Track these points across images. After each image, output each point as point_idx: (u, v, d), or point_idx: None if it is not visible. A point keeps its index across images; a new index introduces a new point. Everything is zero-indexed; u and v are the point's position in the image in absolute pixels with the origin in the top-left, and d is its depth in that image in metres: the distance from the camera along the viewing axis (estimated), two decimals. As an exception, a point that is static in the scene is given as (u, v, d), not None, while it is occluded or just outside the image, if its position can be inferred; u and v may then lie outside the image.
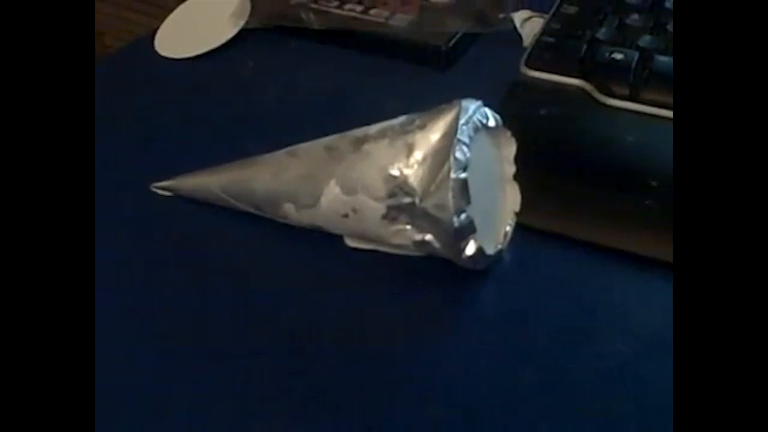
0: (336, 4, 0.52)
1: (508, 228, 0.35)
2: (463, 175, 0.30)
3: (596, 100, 0.41)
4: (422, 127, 0.31)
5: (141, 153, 0.43)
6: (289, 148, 0.35)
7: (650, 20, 0.44)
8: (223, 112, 0.45)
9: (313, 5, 0.52)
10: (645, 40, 0.43)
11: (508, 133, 0.35)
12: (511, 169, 0.35)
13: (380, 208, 0.32)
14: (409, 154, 0.31)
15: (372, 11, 0.51)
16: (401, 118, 0.33)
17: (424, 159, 0.31)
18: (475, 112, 0.32)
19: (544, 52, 0.44)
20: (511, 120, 0.35)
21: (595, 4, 0.47)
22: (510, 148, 0.35)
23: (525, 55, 0.44)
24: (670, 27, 0.43)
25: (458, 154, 0.30)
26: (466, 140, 0.31)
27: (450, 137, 0.31)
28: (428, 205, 0.31)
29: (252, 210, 0.37)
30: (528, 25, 0.49)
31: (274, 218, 0.36)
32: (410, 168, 0.31)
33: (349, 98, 0.46)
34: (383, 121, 0.34)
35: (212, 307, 0.34)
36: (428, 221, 0.31)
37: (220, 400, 0.30)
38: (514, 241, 0.35)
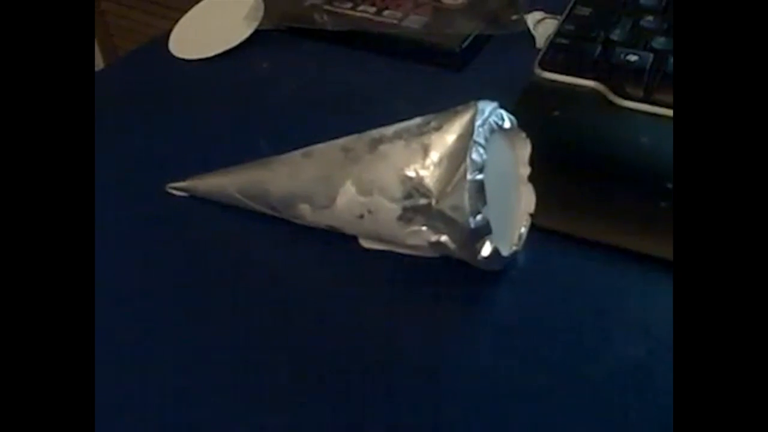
0: (350, 5, 0.52)
1: (522, 229, 0.35)
2: (479, 177, 0.30)
3: (610, 102, 0.41)
4: (438, 128, 0.32)
5: (156, 154, 0.43)
6: (304, 149, 0.35)
7: (664, 22, 0.44)
8: (237, 113, 0.46)
9: (327, 7, 0.52)
10: (659, 41, 0.43)
11: (523, 135, 0.35)
12: (526, 170, 0.35)
13: (396, 209, 0.32)
14: (425, 156, 0.31)
15: (385, 13, 0.51)
16: (417, 120, 0.33)
17: (441, 160, 0.31)
18: (491, 113, 0.32)
19: (558, 54, 0.44)
20: (525, 121, 0.35)
21: (609, 5, 0.47)
22: (525, 150, 0.35)
23: (539, 57, 0.44)
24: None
25: (474, 156, 0.30)
26: (482, 142, 0.31)
27: (466, 139, 0.31)
28: (444, 206, 0.31)
29: (267, 211, 0.37)
30: (541, 26, 0.49)
31: (290, 219, 0.36)
32: (426, 169, 0.31)
33: (363, 99, 0.46)
34: (397, 122, 0.34)
35: (227, 307, 0.34)
36: (444, 222, 0.31)
37: (233, 398, 0.30)
38: (528, 243, 0.35)
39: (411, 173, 0.31)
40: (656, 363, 0.30)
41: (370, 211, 0.33)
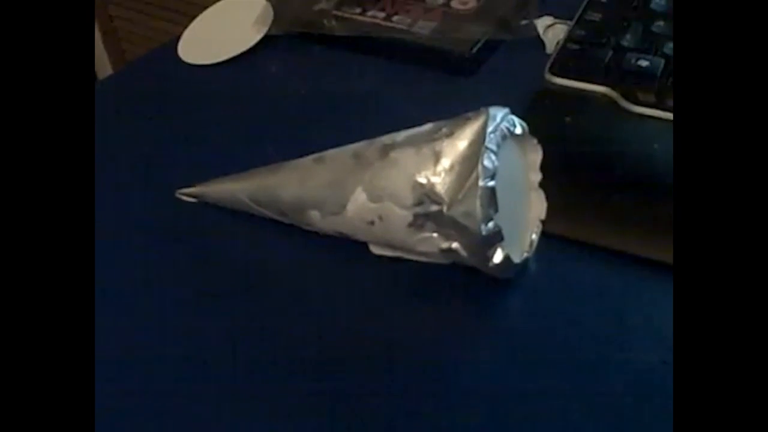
0: (359, 11, 0.52)
1: (533, 236, 0.35)
2: (491, 183, 0.30)
3: (622, 108, 0.41)
4: (450, 134, 0.31)
5: (166, 160, 0.43)
6: (315, 155, 0.35)
7: (676, 27, 0.44)
8: (246, 118, 0.46)
9: (336, 12, 0.52)
10: (671, 46, 0.42)
11: (535, 141, 0.35)
12: (537, 176, 0.35)
13: (407, 215, 0.32)
14: (436, 162, 0.31)
15: (395, 18, 0.51)
16: (428, 126, 0.33)
17: (452, 167, 0.31)
18: (503, 119, 0.32)
19: (569, 59, 0.44)
20: (536, 127, 0.35)
21: (620, 10, 0.47)
22: (536, 156, 0.35)
23: (549, 62, 0.44)
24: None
25: (486, 162, 0.30)
26: (494, 148, 0.31)
27: (478, 145, 0.31)
28: (456, 213, 0.31)
29: (277, 216, 0.37)
30: (551, 31, 0.49)
31: (300, 225, 0.36)
32: (437, 176, 0.31)
33: (372, 104, 0.46)
34: (407, 127, 0.34)
35: (237, 313, 0.34)
36: (455, 229, 0.31)
37: (242, 404, 0.30)
38: (539, 249, 0.35)
39: (422, 180, 0.31)
40: (669, 371, 0.30)
41: (380, 218, 0.33)
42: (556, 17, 0.49)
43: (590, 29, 0.45)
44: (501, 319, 0.33)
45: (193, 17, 0.55)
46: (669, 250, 0.34)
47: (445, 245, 0.32)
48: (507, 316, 0.34)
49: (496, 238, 0.31)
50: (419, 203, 0.31)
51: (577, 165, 0.38)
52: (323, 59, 0.50)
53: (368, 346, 0.32)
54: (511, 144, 0.33)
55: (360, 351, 0.32)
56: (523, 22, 0.50)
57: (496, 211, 0.30)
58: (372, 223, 0.33)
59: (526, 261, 0.34)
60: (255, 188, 0.37)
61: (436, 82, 0.47)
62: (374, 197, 0.33)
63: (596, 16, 0.46)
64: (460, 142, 0.31)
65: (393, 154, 0.32)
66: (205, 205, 0.39)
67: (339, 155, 0.34)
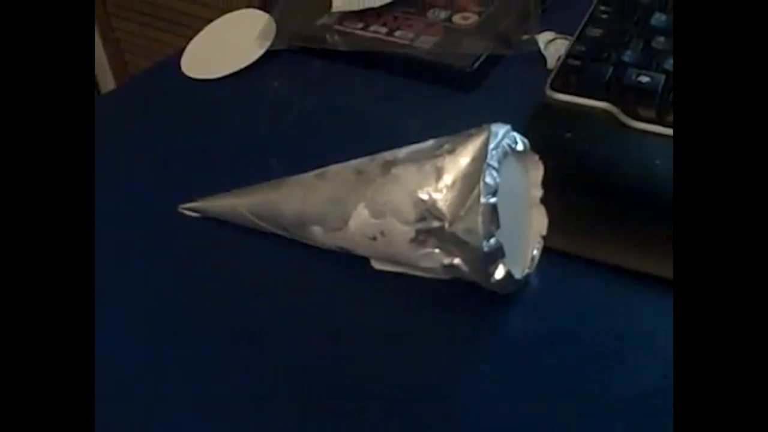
0: (361, 25, 0.52)
1: (535, 252, 0.35)
2: (492, 200, 0.30)
3: (623, 123, 0.41)
4: (451, 151, 0.32)
5: (169, 174, 0.43)
6: (317, 171, 0.35)
7: (676, 43, 0.44)
8: (249, 133, 0.46)
9: (339, 27, 0.52)
10: (671, 62, 0.43)
11: (536, 157, 0.35)
12: (538, 192, 0.35)
13: (409, 231, 0.32)
14: (438, 178, 0.31)
15: (397, 33, 0.51)
16: (430, 142, 0.33)
17: (454, 183, 0.31)
18: (504, 136, 0.32)
19: (570, 75, 0.44)
20: (537, 143, 0.35)
21: (621, 26, 0.47)
22: (537, 172, 0.35)
23: (550, 78, 0.44)
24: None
25: (488, 179, 0.30)
26: (496, 165, 0.31)
27: (480, 162, 0.31)
28: (457, 229, 0.31)
29: (279, 232, 0.37)
30: (552, 46, 0.49)
31: (302, 240, 0.36)
32: (439, 192, 0.31)
33: (374, 119, 0.46)
34: (409, 142, 0.34)
35: (238, 328, 0.34)
36: (457, 245, 0.31)
37: (241, 416, 0.30)
38: (541, 265, 0.35)
39: (424, 196, 0.31)
40: (670, 386, 0.30)
41: (382, 234, 0.33)
42: (557, 32, 0.50)
43: (591, 45, 0.46)
44: (502, 334, 0.33)
45: (196, 29, 0.56)
46: (669, 266, 0.34)
47: (446, 261, 0.32)
48: (508, 332, 0.34)
49: (497, 254, 0.31)
50: (421, 219, 0.32)
51: (578, 181, 0.38)
52: (325, 74, 0.51)
53: (369, 362, 0.32)
54: (512, 160, 0.33)
55: (360, 366, 0.32)
56: (524, 37, 0.50)
57: (498, 227, 0.31)
58: (374, 238, 0.33)
59: (527, 277, 0.34)
60: (257, 203, 0.37)
61: (437, 97, 0.47)
62: (376, 213, 0.33)
63: (597, 32, 0.47)
64: (462, 159, 0.31)
65: (395, 170, 0.33)
66: (207, 220, 0.39)
67: (341, 171, 0.34)
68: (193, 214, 0.40)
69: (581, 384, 0.31)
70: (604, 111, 0.42)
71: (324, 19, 0.53)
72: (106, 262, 0.35)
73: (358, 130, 0.45)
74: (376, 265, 0.36)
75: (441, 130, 0.33)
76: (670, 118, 0.40)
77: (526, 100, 0.44)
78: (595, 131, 0.41)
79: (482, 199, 0.30)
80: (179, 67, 0.52)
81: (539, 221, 0.35)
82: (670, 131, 0.40)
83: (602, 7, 0.49)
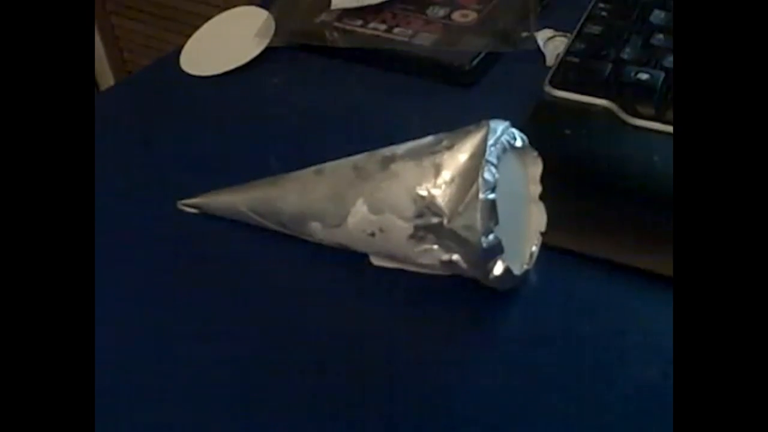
0: (360, 23, 0.52)
1: (533, 248, 0.35)
2: (491, 196, 0.30)
3: (622, 120, 0.41)
4: (450, 147, 0.32)
5: (167, 171, 0.43)
6: (316, 167, 0.35)
7: (675, 40, 0.44)
8: (247, 130, 0.46)
9: (338, 24, 0.52)
10: (670, 60, 0.43)
11: (535, 153, 0.35)
12: (537, 189, 0.35)
13: (407, 227, 0.32)
14: (437, 175, 0.31)
15: (396, 30, 0.51)
16: (429, 138, 0.33)
17: (452, 179, 0.31)
18: (503, 132, 0.32)
19: (569, 72, 0.44)
20: (536, 140, 0.35)
21: (620, 23, 0.47)
22: (536, 168, 0.35)
23: (549, 75, 0.44)
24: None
25: (487, 175, 0.30)
26: (495, 161, 0.31)
27: (478, 158, 0.31)
28: (456, 225, 0.31)
29: (278, 228, 0.37)
30: (551, 44, 0.49)
31: (300, 237, 0.36)
32: (438, 188, 0.31)
33: (373, 116, 0.46)
34: (408, 139, 0.34)
35: (235, 324, 0.34)
36: (456, 241, 0.31)
37: (241, 413, 0.30)
38: (540, 262, 0.35)
39: (423, 192, 0.31)
40: (669, 384, 0.30)
41: (381, 230, 0.33)
42: (556, 30, 0.50)
43: (590, 42, 0.46)
44: (501, 330, 0.33)
45: (195, 27, 0.56)
46: (669, 263, 0.34)
47: (445, 257, 0.32)
48: (507, 328, 0.34)
49: (496, 251, 0.31)
50: (420, 215, 0.32)
51: (576, 177, 0.38)
52: (324, 71, 0.51)
53: (368, 358, 0.32)
54: (511, 157, 0.33)
55: (360, 362, 0.32)
56: (524, 34, 0.50)
57: (497, 223, 0.31)
58: (373, 235, 0.33)
59: (526, 273, 0.34)
60: (256, 200, 0.37)
61: (436, 94, 0.47)
62: (375, 209, 0.33)
63: (596, 29, 0.47)
64: (461, 155, 0.31)
65: (394, 167, 0.33)
66: (206, 216, 0.39)
67: (339, 167, 0.34)
68: (192, 211, 0.40)
69: (580, 381, 0.31)
70: (603, 108, 0.42)
71: (323, 16, 0.53)
72: (104, 257, 0.35)
73: (357, 127, 0.45)
74: (375, 261, 0.36)
75: (440, 128, 0.33)
76: (669, 115, 0.40)
77: (525, 98, 0.44)
78: (594, 128, 0.41)
79: (481, 196, 0.30)
80: (178, 64, 0.52)
81: (538, 218, 0.35)
82: (669, 128, 0.40)
83: (601, 5, 0.49)
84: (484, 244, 0.30)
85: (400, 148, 0.33)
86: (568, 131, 0.41)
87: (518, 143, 0.33)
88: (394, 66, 0.49)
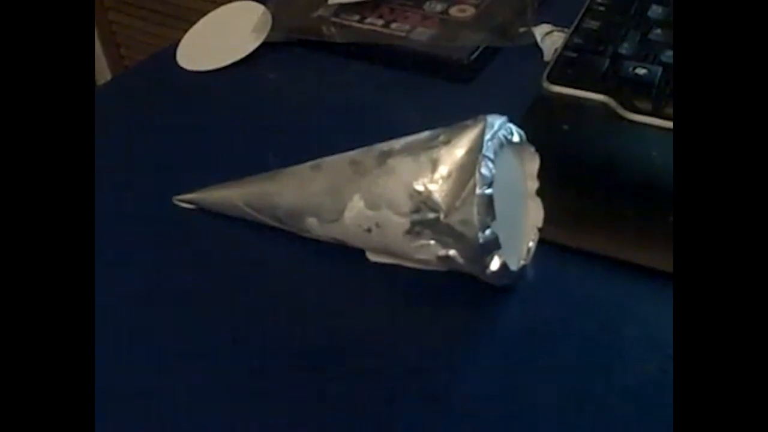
0: (357, 18, 0.52)
1: (531, 243, 0.35)
2: (488, 191, 0.30)
3: (619, 116, 0.41)
4: (447, 142, 0.31)
5: (163, 166, 0.43)
6: (312, 162, 0.35)
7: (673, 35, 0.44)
8: (244, 125, 0.46)
9: (335, 19, 0.52)
10: (668, 55, 0.43)
11: (532, 149, 0.35)
12: (534, 184, 0.35)
13: (404, 223, 0.32)
14: (434, 170, 0.31)
15: (393, 25, 0.51)
16: (426, 133, 0.33)
17: (449, 174, 0.31)
18: (500, 127, 0.32)
19: (566, 67, 0.44)
20: (533, 135, 0.35)
21: (618, 18, 0.47)
22: (533, 164, 0.35)
23: (547, 70, 0.44)
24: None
25: (484, 170, 0.30)
26: (492, 156, 0.31)
27: (475, 153, 0.31)
28: (453, 220, 0.31)
29: (275, 223, 0.37)
30: (549, 39, 0.49)
31: (297, 232, 0.36)
32: (435, 183, 0.31)
33: (370, 111, 0.46)
34: (405, 134, 0.34)
35: (234, 319, 0.34)
36: (453, 237, 0.31)
37: (239, 408, 0.30)
38: (537, 257, 0.35)
39: (419, 187, 0.31)
40: (667, 379, 0.30)
41: (378, 225, 0.33)
42: (553, 25, 0.49)
43: (588, 37, 0.46)
44: (498, 326, 0.33)
45: (192, 23, 0.56)
46: (668, 259, 0.34)
47: (442, 253, 0.32)
48: (504, 324, 0.34)
49: (493, 246, 0.31)
50: (416, 211, 0.31)
51: (574, 173, 0.38)
52: (321, 66, 0.50)
53: (365, 353, 0.32)
54: (508, 152, 0.33)
55: (355, 357, 0.32)
56: (521, 29, 0.50)
57: (494, 219, 0.30)
58: (369, 230, 0.33)
59: (523, 269, 0.34)
60: (252, 195, 0.37)
61: (433, 89, 0.47)
62: (372, 205, 0.33)
63: (594, 24, 0.47)
64: (458, 150, 0.31)
65: (390, 162, 0.32)
66: (202, 212, 0.39)
67: (336, 162, 0.34)
68: (188, 206, 0.40)
69: (578, 376, 0.30)
70: (600, 103, 0.42)
71: (320, 11, 0.53)
72: (101, 252, 0.35)
73: (354, 122, 0.45)
74: (372, 256, 0.35)
75: (437, 122, 0.33)
76: (667, 111, 0.40)
77: (523, 92, 0.44)
78: (592, 123, 0.41)
79: (478, 191, 0.30)
80: (175, 59, 0.52)
81: (535, 213, 0.35)
82: (667, 123, 0.40)
83: (599, 0, 0.49)
84: (481, 240, 0.30)
85: (398, 143, 0.33)
86: (565, 126, 0.41)
87: (515, 138, 0.33)
88: (392, 61, 0.49)
